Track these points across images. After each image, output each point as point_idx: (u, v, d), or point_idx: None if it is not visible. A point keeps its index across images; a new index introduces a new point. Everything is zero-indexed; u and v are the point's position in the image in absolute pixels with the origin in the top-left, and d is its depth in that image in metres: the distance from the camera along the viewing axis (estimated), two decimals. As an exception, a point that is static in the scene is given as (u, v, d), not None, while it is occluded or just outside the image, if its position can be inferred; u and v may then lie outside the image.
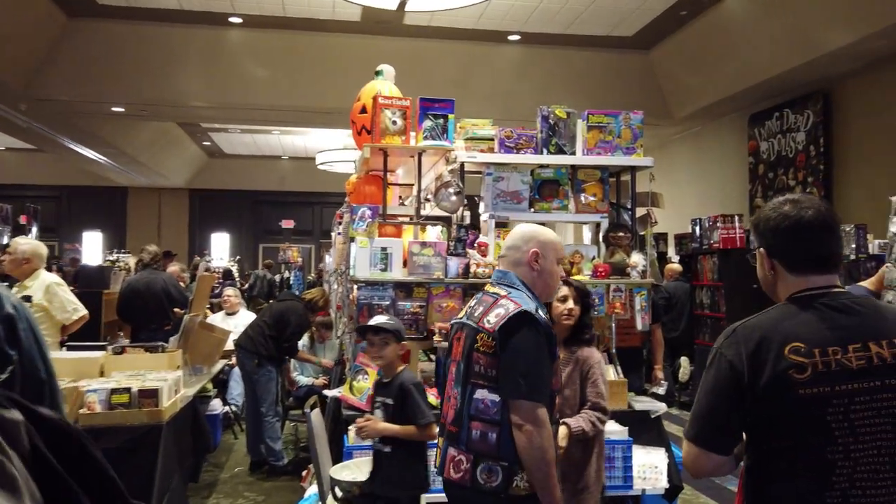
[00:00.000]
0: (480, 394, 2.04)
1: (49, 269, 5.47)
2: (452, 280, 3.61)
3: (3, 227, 10.68)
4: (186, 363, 4.41)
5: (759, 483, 1.56)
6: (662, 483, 3.45)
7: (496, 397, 2.02)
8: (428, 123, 3.70)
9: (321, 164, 14.12)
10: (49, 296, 4.28)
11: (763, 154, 9.12)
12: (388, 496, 2.74)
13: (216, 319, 7.02)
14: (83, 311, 4.43)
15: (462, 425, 2.07)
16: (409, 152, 3.78)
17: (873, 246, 5.17)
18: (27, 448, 0.75)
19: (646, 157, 3.90)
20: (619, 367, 3.88)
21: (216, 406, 5.69)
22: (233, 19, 8.49)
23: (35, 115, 9.72)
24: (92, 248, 17.38)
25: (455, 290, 3.63)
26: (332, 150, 13.10)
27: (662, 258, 9.49)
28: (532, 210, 3.91)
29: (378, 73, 4.11)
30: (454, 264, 3.64)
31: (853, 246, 5.09)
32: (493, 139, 3.89)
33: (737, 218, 7.38)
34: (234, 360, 6.10)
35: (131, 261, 9.02)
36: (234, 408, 6.27)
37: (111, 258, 11.06)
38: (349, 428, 3.37)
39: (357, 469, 3.00)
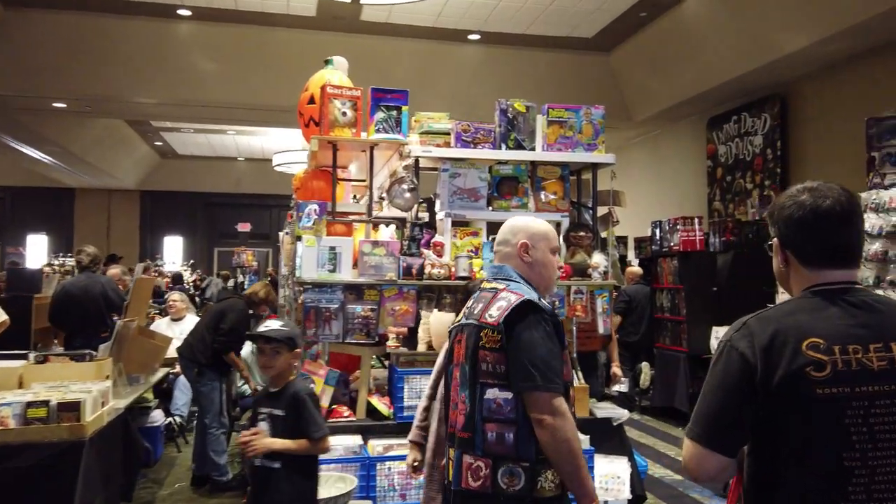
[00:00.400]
0: (491, 393, 1.92)
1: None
2: (406, 281, 3.40)
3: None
4: (120, 372, 4.09)
5: (762, 491, 1.42)
6: (625, 494, 3.30)
7: (508, 394, 1.90)
8: (380, 115, 3.49)
9: (278, 165, 13.74)
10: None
11: (721, 157, 9.15)
12: None
13: (161, 325, 6.66)
14: (3, 317, 4.08)
15: (475, 429, 1.94)
16: (361, 146, 3.56)
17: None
18: None
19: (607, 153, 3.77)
20: (580, 373, 3.73)
21: (157, 417, 5.35)
22: (181, 11, 8.13)
23: (-30, 111, 9.19)
24: (36, 251, 16.63)
25: (409, 293, 3.42)
26: (290, 151, 12.76)
27: (623, 261, 9.44)
28: (490, 208, 3.74)
29: (328, 62, 3.89)
30: (409, 265, 3.44)
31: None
32: (449, 133, 3.70)
33: (696, 220, 7.35)
34: (178, 367, 5.78)
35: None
36: (178, 419, 5.93)
37: (56, 262, 10.53)
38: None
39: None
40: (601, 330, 3.75)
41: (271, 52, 8.58)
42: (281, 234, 4.68)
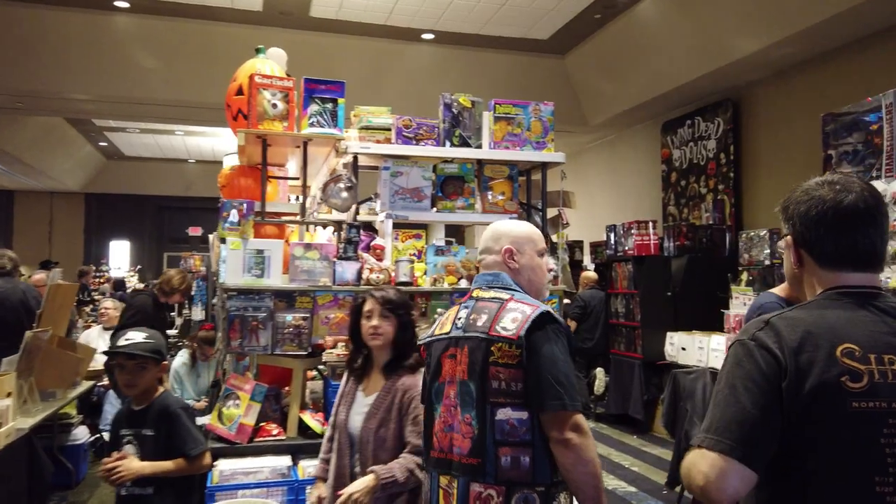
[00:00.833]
0: (503, 413, 1.77)
1: None
2: (341, 288, 3.15)
3: None
4: (31, 388, 3.74)
5: None
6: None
7: (523, 414, 1.76)
8: (314, 108, 3.24)
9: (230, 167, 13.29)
10: None
11: (675, 162, 9.14)
12: None
13: (93, 334, 6.27)
14: None
15: (486, 455, 1.77)
16: (293, 141, 3.30)
17: (786, 251, 5.08)
18: None
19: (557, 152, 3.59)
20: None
21: (80, 435, 4.97)
22: (119, 3, 7.72)
23: None
24: (-30, 256, 15.75)
25: (345, 300, 3.17)
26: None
27: (578, 266, 9.35)
28: (435, 209, 3.52)
29: (259, 51, 3.62)
30: (344, 270, 3.19)
31: (767, 251, 4.97)
32: (390, 129, 3.47)
33: (651, 224, 7.27)
34: (107, 380, 5.41)
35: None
36: (107, 435, 5.54)
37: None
38: (213, 465, 2.84)
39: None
40: (551, 338, 3.56)
41: (216, 48, 8.22)
42: (211, 236, 4.38)
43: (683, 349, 6.15)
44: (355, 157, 3.44)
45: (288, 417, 3.14)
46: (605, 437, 6.95)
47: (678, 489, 4.83)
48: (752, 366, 1.25)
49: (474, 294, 1.96)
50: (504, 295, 1.88)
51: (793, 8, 6.06)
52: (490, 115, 3.55)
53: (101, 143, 14.82)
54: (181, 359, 4.96)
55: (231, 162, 14.00)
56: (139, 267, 17.10)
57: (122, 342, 2.29)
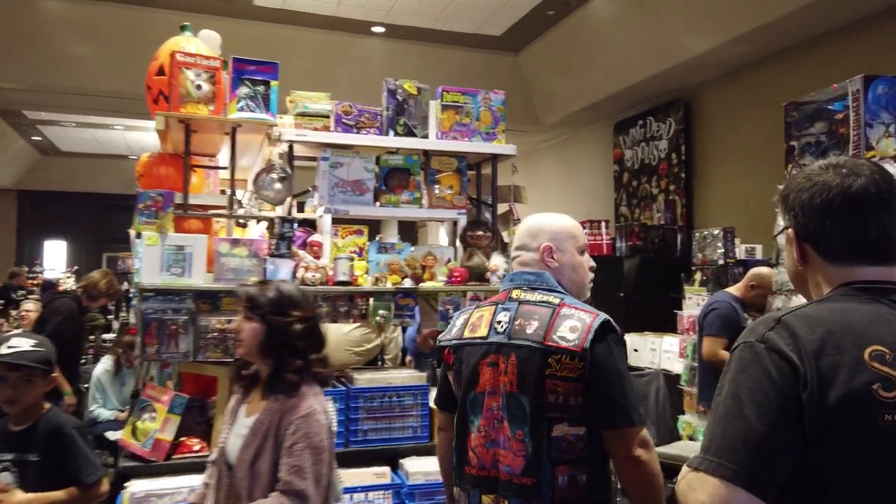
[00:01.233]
0: (560, 430, 1.67)
1: None
2: (273, 287, 2.88)
3: None
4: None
5: None
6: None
7: (580, 430, 1.68)
8: (244, 91, 2.96)
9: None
10: None
11: (627, 162, 9.11)
12: None
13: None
14: None
15: (541, 474, 1.65)
16: (220, 127, 3.01)
17: (740, 251, 5.03)
18: None
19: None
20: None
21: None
22: (47, -14, 7.23)
23: None
24: None
25: (276, 300, 2.89)
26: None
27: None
28: (378, 203, 3.29)
29: (184, 28, 3.31)
30: (276, 268, 2.92)
31: (721, 250, 4.90)
32: (330, 116, 3.22)
33: (603, 224, 7.19)
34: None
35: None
36: None
37: None
38: (124, 486, 2.54)
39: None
40: (501, 340, 3.36)
41: (154, 37, 7.74)
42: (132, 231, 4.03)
43: (636, 350, 6.05)
44: (291, 146, 3.17)
45: (213, 431, 2.85)
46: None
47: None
48: (760, 373, 1.06)
49: (514, 295, 1.81)
50: (553, 299, 1.76)
51: (743, 7, 6.04)
52: (437, 104, 3.33)
53: (35, 138, 14.06)
54: (103, 366, 4.58)
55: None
56: (76, 268, 16.30)
57: (4, 350, 1.96)
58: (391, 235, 4.14)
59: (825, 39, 6.02)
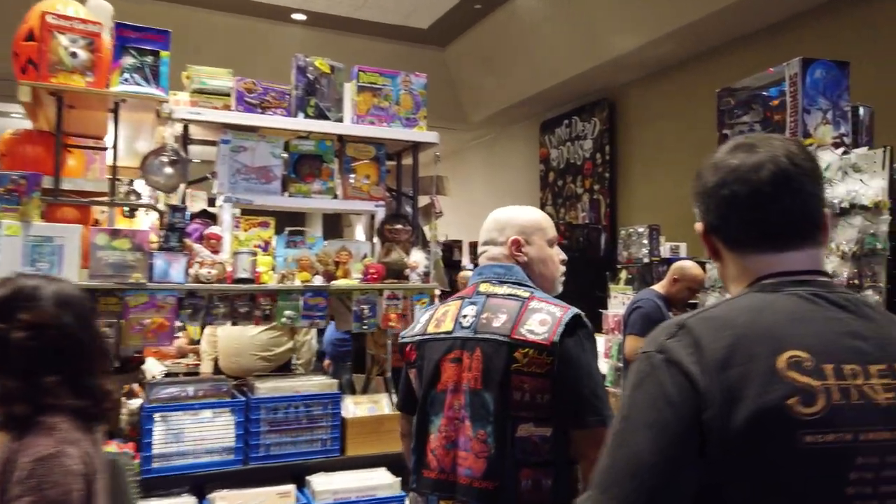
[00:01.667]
0: (525, 430, 1.55)
1: None
2: (161, 286, 2.53)
3: None
4: None
5: None
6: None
7: (546, 431, 1.55)
8: (129, 61, 2.60)
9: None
10: None
11: (553, 162, 9.08)
12: None
13: None
14: None
15: (504, 478, 1.53)
16: (101, 103, 2.63)
17: (665, 249, 4.99)
18: None
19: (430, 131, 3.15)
20: (395, 396, 3.07)
21: None
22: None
23: None
24: None
25: (165, 301, 2.55)
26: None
27: (456, 267, 9.05)
28: (286, 193, 2.98)
29: (59, -10, 2.89)
30: (166, 263, 2.57)
31: (647, 249, 4.84)
32: (231, 94, 2.89)
33: (530, 223, 7.08)
34: None
35: None
36: None
37: None
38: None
39: None
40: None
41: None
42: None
43: (562, 351, 5.96)
44: (186, 127, 2.83)
45: (87, 450, 2.47)
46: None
47: None
48: (655, 389, 0.90)
49: (482, 289, 1.71)
50: (522, 292, 1.66)
51: (670, 6, 6.05)
52: (353, 85, 3.06)
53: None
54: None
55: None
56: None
57: None
58: (316, 232, 3.84)
59: (752, 39, 6.09)
